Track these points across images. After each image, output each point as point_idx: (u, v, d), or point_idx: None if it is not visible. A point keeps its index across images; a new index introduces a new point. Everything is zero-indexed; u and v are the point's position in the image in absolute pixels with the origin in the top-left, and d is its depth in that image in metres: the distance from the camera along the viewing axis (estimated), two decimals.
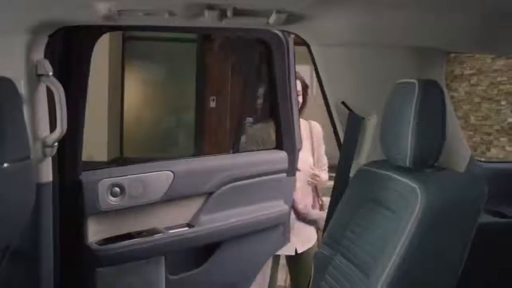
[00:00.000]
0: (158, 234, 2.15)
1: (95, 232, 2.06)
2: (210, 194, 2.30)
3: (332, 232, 1.80)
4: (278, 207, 2.53)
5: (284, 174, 2.53)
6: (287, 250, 2.84)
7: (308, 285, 1.94)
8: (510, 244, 2.07)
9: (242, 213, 2.38)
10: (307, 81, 3.00)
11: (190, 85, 10.39)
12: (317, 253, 1.85)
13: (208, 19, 1.66)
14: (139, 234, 2.13)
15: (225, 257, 2.38)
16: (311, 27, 1.79)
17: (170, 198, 2.19)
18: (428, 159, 1.55)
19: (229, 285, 2.47)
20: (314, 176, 2.94)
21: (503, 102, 7.49)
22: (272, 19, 1.66)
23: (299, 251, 2.93)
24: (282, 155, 2.52)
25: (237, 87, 12.59)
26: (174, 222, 2.24)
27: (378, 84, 1.87)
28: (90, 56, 2.02)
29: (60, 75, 1.88)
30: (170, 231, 2.19)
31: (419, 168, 1.54)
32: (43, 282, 1.88)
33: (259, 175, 2.43)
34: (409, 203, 1.43)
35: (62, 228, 1.98)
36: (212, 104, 11.96)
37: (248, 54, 13.21)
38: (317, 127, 3.03)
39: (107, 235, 2.09)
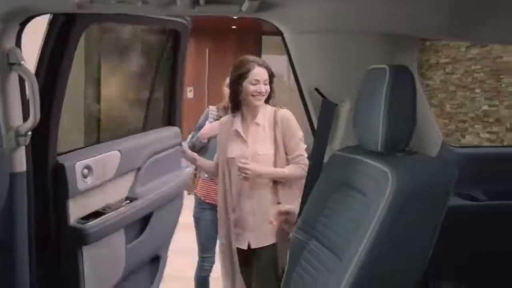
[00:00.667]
0: (120, 209, 2.31)
1: (74, 212, 2.12)
2: (139, 169, 2.50)
3: (306, 217, 1.82)
4: (180, 176, 2.91)
5: (180, 147, 2.96)
6: (239, 243, 2.89)
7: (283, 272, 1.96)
8: (481, 227, 2.11)
9: (161, 184, 2.66)
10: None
11: (168, 75, 10.32)
12: (292, 239, 1.87)
13: (180, 7, 1.66)
14: (104, 210, 2.26)
15: (153, 226, 2.58)
16: (284, 15, 1.80)
17: (119, 175, 2.35)
18: (399, 143, 1.57)
19: (156, 250, 2.74)
20: (242, 169, 2.81)
21: (477, 90, 7.58)
22: (245, 6, 1.66)
23: (252, 246, 2.87)
24: (176, 130, 2.94)
25: (214, 77, 12.57)
26: (122, 196, 2.42)
27: (350, 71, 1.89)
28: (74, 48, 2.03)
29: (40, 64, 1.90)
30: (128, 205, 2.38)
31: (390, 152, 1.57)
32: (18, 271, 1.88)
33: (165, 149, 2.74)
34: (380, 186, 1.45)
35: (43, 213, 2.00)
36: (190, 95, 11.94)
37: (224, 44, 13.16)
38: (286, 115, 2.92)
39: (82, 215, 2.17)
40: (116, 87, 3.32)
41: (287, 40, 1.94)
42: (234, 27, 11.80)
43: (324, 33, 1.85)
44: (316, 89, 1.94)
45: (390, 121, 1.53)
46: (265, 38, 12.04)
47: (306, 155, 2.89)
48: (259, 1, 1.64)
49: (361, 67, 1.87)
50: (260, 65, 2.90)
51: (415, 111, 1.58)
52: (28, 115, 1.85)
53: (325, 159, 2.00)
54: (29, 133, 1.88)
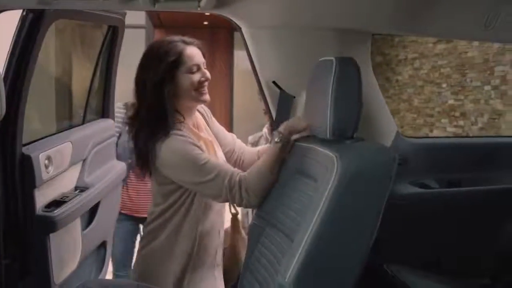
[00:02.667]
0: (77, 197, 2.38)
1: (39, 202, 2.17)
2: (85, 160, 2.58)
3: (265, 205, 1.90)
4: (116, 166, 2.95)
5: (115, 138, 3.04)
6: None
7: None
8: (433, 213, 2.21)
9: (104, 174, 2.75)
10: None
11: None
12: (250, 226, 1.95)
13: (141, 3, 1.72)
14: (63, 199, 2.32)
15: (101, 214, 2.68)
16: (241, 11, 1.88)
17: (71, 165, 2.42)
18: (346, 130, 1.66)
19: (104, 236, 2.84)
20: None
21: (444, 85, 7.73)
22: (203, 2, 1.73)
23: None
24: (111, 122, 3.00)
25: None
26: (72, 186, 2.49)
27: (306, 64, 1.96)
28: (40, 43, 2.08)
29: (10, 58, 1.95)
30: (83, 193, 2.45)
31: (339, 139, 1.65)
32: None
33: (104, 141, 2.83)
34: (328, 171, 1.53)
35: (10, 203, 2.05)
36: None
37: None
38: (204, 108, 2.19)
39: (45, 204, 2.22)
40: (64, 79, 3.31)
41: (245, 35, 2.01)
42: (206, 23, 11.82)
43: (279, 28, 1.93)
44: (274, 82, 2.02)
45: (337, 110, 1.61)
46: (237, 34, 12.06)
47: None
48: None
49: (316, 60, 1.96)
50: (189, 43, 1.98)
51: (360, 100, 1.66)
52: None
53: None
54: None
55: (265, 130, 3.15)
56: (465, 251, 2.29)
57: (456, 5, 1.82)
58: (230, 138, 2.21)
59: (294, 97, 2.03)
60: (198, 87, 1.94)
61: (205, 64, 1.99)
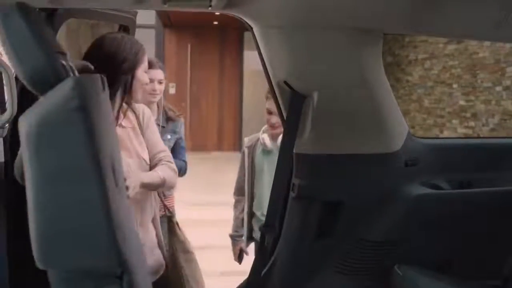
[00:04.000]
0: None
1: None
2: None
3: None
4: None
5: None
6: None
7: None
8: (444, 214, 2.20)
9: None
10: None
11: None
12: None
13: (152, 2, 1.73)
14: None
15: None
16: (252, 10, 1.87)
17: None
18: None
19: None
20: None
21: (454, 86, 7.72)
22: (214, 2, 1.73)
23: None
24: None
25: (196, 73, 12.61)
26: None
27: (317, 64, 1.96)
28: None
29: None
30: None
31: None
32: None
33: None
34: None
35: (23, 202, 2.05)
36: (172, 91, 11.96)
37: (206, 40, 13.17)
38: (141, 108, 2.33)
39: None
40: None
41: (256, 35, 2.01)
42: (216, 23, 11.85)
43: (291, 28, 1.92)
44: (285, 82, 2.02)
45: None
46: (247, 34, 12.11)
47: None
48: None
49: (326, 60, 1.96)
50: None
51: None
52: (5, 108, 1.90)
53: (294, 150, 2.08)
54: (6, 125, 1.93)
55: (262, 135, 2.97)
56: (477, 252, 2.27)
57: (470, 4, 1.81)
58: (153, 153, 2.26)
59: (305, 97, 2.02)
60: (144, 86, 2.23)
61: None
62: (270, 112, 2.89)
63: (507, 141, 2.69)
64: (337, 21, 1.91)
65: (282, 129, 2.57)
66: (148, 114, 2.33)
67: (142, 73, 2.18)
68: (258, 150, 3.02)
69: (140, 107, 2.33)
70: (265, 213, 2.64)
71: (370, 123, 2.09)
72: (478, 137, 6.38)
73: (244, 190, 3.07)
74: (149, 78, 2.66)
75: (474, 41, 6.57)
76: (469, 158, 2.34)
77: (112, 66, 2.08)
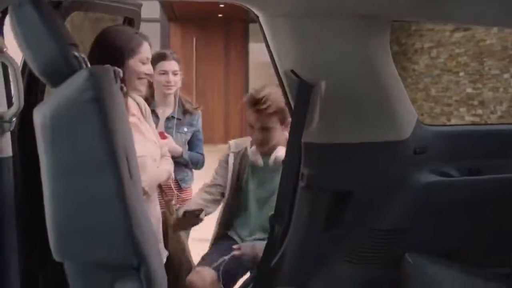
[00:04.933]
0: None
1: None
2: None
3: None
4: None
5: None
6: None
7: None
8: (455, 201, 2.19)
9: None
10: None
11: None
12: None
13: None
14: None
15: None
16: (260, 1, 1.86)
17: None
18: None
19: None
20: None
21: (461, 74, 7.67)
22: None
23: None
24: None
25: (202, 65, 12.60)
26: None
27: (324, 52, 1.95)
28: None
29: None
30: None
31: None
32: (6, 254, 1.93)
33: None
34: None
35: (34, 196, 2.05)
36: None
37: (210, 32, 13.17)
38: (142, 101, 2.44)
39: None
40: None
41: (262, 24, 2.00)
42: (220, 15, 11.82)
43: (298, 16, 1.91)
44: (292, 71, 2.00)
45: None
46: (252, 26, 12.07)
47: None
48: None
49: (333, 48, 1.94)
50: (144, 37, 2.29)
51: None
52: (12, 102, 1.89)
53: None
54: (14, 119, 1.92)
55: (251, 149, 2.71)
56: (486, 240, 2.26)
57: None
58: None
59: (313, 86, 2.01)
60: (141, 77, 2.20)
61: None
62: (251, 126, 2.62)
63: None
64: (344, 9, 1.89)
65: (270, 147, 2.60)
66: (148, 108, 2.43)
67: (136, 63, 2.17)
68: (246, 164, 2.73)
69: (141, 101, 2.39)
70: (253, 236, 2.66)
71: (379, 111, 2.08)
72: (487, 124, 6.34)
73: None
74: (163, 70, 2.92)
75: (482, 27, 6.51)
76: (478, 145, 2.32)
77: (106, 57, 2.06)
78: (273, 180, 2.52)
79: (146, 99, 2.80)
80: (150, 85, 2.98)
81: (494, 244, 2.26)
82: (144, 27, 3.10)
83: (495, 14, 1.93)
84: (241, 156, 2.75)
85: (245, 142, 2.78)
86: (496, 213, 2.25)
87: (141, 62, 2.19)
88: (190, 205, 2.72)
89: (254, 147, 2.66)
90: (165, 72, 3.03)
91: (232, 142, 2.85)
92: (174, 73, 3.06)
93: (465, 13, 1.95)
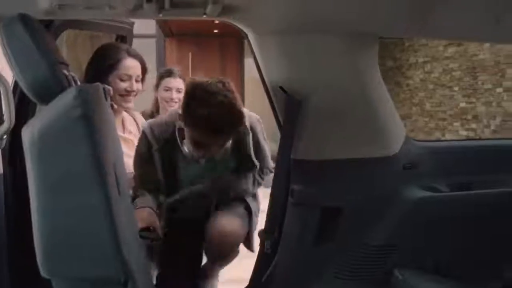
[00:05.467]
0: None
1: None
2: None
3: None
4: None
5: None
6: None
7: None
8: (444, 216, 2.20)
9: None
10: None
11: (150, 79, 10.40)
12: None
13: (147, 11, 1.74)
14: None
15: None
16: (247, 17, 1.88)
17: None
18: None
19: None
20: None
21: (455, 88, 7.70)
22: (209, 9, 1.74)
23: None
24: None
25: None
26: None
27: (313, 69, 1.97)
28: None
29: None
30: None
31: None
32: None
33: None
34: None
35: (23, 214, 2.05)
36: None
37: (206, 48, 13.21)
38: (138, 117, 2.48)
39: None
40: None
41: (251, 41, 2.02)
42: (216, 31, 11.85)
43: (286, 33, 1.93)
44: (281, 87, 2.02)
45: None
46: (247, 42, 12.06)
47: None
48: (222, 4, 1.72)
49: (323, 65, 1.96)
50: (132, 55, 2.32)
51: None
52: (3, 119, 1.91)
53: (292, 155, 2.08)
54: (5, 136, 1.93)
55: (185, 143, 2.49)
56: (477, 255, 2.27)
57: (466, 5, 1.81)
58: None
59: (301, 101, 2.02)
60: (122, 94, 2.26)
61: (139, 77, 2.32)
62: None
63: (508, 142, 2.69)
64: (332, 26, 1.91)
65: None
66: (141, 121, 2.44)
67: (114, 80, 2.22)
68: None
69: (139, 117, 2.45)
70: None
71: (367, 126, 2.10)
72: (478, 139, 6.37)
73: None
74: (167, 86, 2.99)
75: (474, 42, 6.56)
76: (468, 160, 2.34)
77: (94, 75, 2.18)
78: None
79: (151, 114, 2.88)
80: (156, 101, 3.05)
81: (485, 259, 2.27)
82: (140, 43, 3.12)
83: (480, 29, 1.95)
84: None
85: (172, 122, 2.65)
86: (486, 228, 2.26)
87: (119, 79, 2.24)
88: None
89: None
90: (169, 89, 3.08)
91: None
92: (178, 90, 3.09)
93: (450, 28, 1.98)
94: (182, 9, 1.76)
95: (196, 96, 2.05)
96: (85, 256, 1.44)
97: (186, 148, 2.21)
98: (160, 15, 1.76)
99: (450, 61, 7.77)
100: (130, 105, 2.31)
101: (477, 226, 2.24)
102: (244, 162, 2.34)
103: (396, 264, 2.16)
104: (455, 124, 7.69)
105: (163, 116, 2.38)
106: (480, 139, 6.40)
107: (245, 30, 1.98)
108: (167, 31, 12.04)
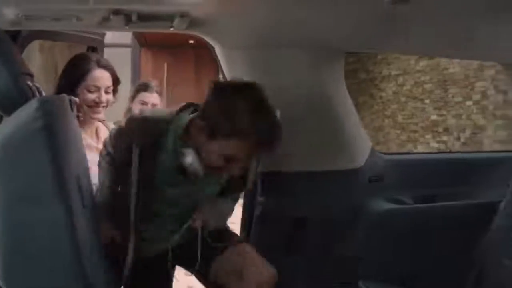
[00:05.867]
0: None
1: None
2: None
3: None
4: None
5: None
6: None
7: None
8: (409, 228, 2.23)
9: None
10: None
11: (124, 89, 10.35)
12: None
13: (114, 24, 1.74)
14: None
15: None
16: (214, 31, 1.90)
17: None
18: None
19: None
20: None
21: (426, 101, 7.82)
22: (176, 22, 1.76)
23: None
24: None
25: (173, 92, 12.60)
26: None
27: (278, 82, 1.99)
28: None
29: None
30: None
31: None
32: None
33: None
34: None
35: None
36: None
37: (182, 58, 13.18)
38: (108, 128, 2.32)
39: None
40: None
41: (218, 55, 2.04)
42: (191, 42, 11.86)
43: (252, 48, 1.95)
44: None
45: None
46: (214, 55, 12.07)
47: None
48: (189, 18, 1.74)
49: (288, 79, 1.99)
50: (102, 66, 2.25)
51: None
52: None
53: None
54: None
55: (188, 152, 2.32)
56: (442, 266, 2.30)
57: (430, 22, 1.85)
58: None
59: None
60: (90, 105, 2.18)
61: (109, 88, 2.23)
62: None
63: (471, 156, 2.75)
64: (298, 41, 1.94)
65: None
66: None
67: (82, 91, 2.17)
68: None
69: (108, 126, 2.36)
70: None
71: (333, 140, 2.13)
72: (446, 152, 6.47)
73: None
74: (143, 100, 2.92)
75: (439, 57, 6.68)
76: (433, 173, 2.38)
77: (64, 85, 2.15)
78: None
79: None
80: (129, 112, 3.03)
81: (450, 271, 2.30)
82: (115, 53, 3.10)
83: (438, 45, 2.00)
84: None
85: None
86: (451, 240, 2.29)
87: (87, 90, 2.18)
88: None
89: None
90: (144, 103, 3.05)
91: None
92: (153, 105, 3.07)
93: (412, 45, 2.02)
94: (149, 22, 1.77)
95: (244, 101, 1.69)
96: (45, 268, 1.43)
97: (193, 162, 1.77)
98: (127, 27, 1.77)
99: (421, 74, 7.89)
100: (100, 116, 2.24)
101: (442, 237, 2.27)
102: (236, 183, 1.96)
103: (361, 275, 2.18)
104: (426, 136, 7.80)
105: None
106: (450, 152, 6.50)
107: (212, 43, 2.00)
108: (142, 41, 12.02)
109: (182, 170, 1.78)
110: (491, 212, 2.12)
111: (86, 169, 1.82)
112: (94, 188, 1.91)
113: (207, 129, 1.69)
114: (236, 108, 1.66)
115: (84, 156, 1.86)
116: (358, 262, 2.20)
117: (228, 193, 1.95)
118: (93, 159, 2.00)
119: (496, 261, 2.05)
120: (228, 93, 1.72)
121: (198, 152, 1.74)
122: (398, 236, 2.23)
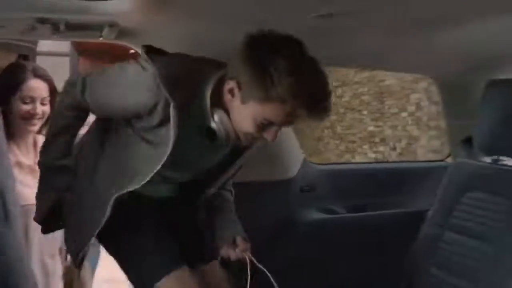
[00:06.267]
0: None
1: None
2: None
3: None
4: None
5: None
6: None
7: None
8: (339, 237, 2.26)
9: None
10: None
11: None
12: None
13: (40, 32, 1.70)
14: None
15: None
16: (143, 40, 1.88)
17: None
18: None
19: None
20: None
21: (364, 112, 7.99)
22: (105, 32, 1.74)
23: None
24: None
25: None
26: None
27: None
28: None
29: None
30: None
31: None
32: None
33: None
34: None
35: None
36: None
37: None
38: None
39: None
40: None
41: None
42: (132, 51, 11.71)
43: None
44: None
45: None
46: None
47: None
48: (118, 27, 1.72)
49: None
50: (39, 76, 2.10)
51: None
52: None
53: None
54: None
55: None
56: (373, 275, 2.34)
57: (352, 33, 1.88)
58: None
59: None
60: (25, 117, 2.04)
61: (46, 100, 2.07)
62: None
63: (402, 165, 2.82)
64: (226, 51, 1.94)
65: None
66: None
67: (16, 102, 2.04)
68: None
69: None
70: None
71: (265, 150, 2.13)
72: (375, 162, 6.62)
73: None
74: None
75: (354, 68, 6.81)
76: (365, 183, 2.43)
77: None
78: None
79: None
80: None
81: (381, 279, 2.35)
82: (53, 61, 3.03)
83: (363, 57, 2.05)
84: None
85: None
86: (384, 248, 2.34)
87: (21, 101, 2.05)
88: None
89: None
90: None
91: None
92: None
93: (338, 56, 2.06)
94: (77, 32, 1.74)
95: (283, 60, 1.43)
96: None
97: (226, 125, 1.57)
98: (55, 36, 1.73)
99: (359, 86, 8.06)
100: (35, 128, 2.08)
101: (373, 247, 2.31)
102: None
103: (294, 285, 2.20)
104: (364, 146, 7.96)
105: None
106: (387, 162, 6.65)
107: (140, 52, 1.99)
108: (80, 49, 11.79)
109: (211, 133, 1.58)
110: (420, 221, 2.18)
111: (11, 181, 1.75)
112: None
113: (239, 92, 1.50)
114: (273, 69, 1.42)
115: (8, 166, 1.79)
116: (292, 273, 2.21)
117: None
118: (23, 179, 1.93)
119: (424, 270, 2.10)
120: (263, 50, 1.47)
121: (228, 115, 1.55)
122: (329, 245, 2.25)
